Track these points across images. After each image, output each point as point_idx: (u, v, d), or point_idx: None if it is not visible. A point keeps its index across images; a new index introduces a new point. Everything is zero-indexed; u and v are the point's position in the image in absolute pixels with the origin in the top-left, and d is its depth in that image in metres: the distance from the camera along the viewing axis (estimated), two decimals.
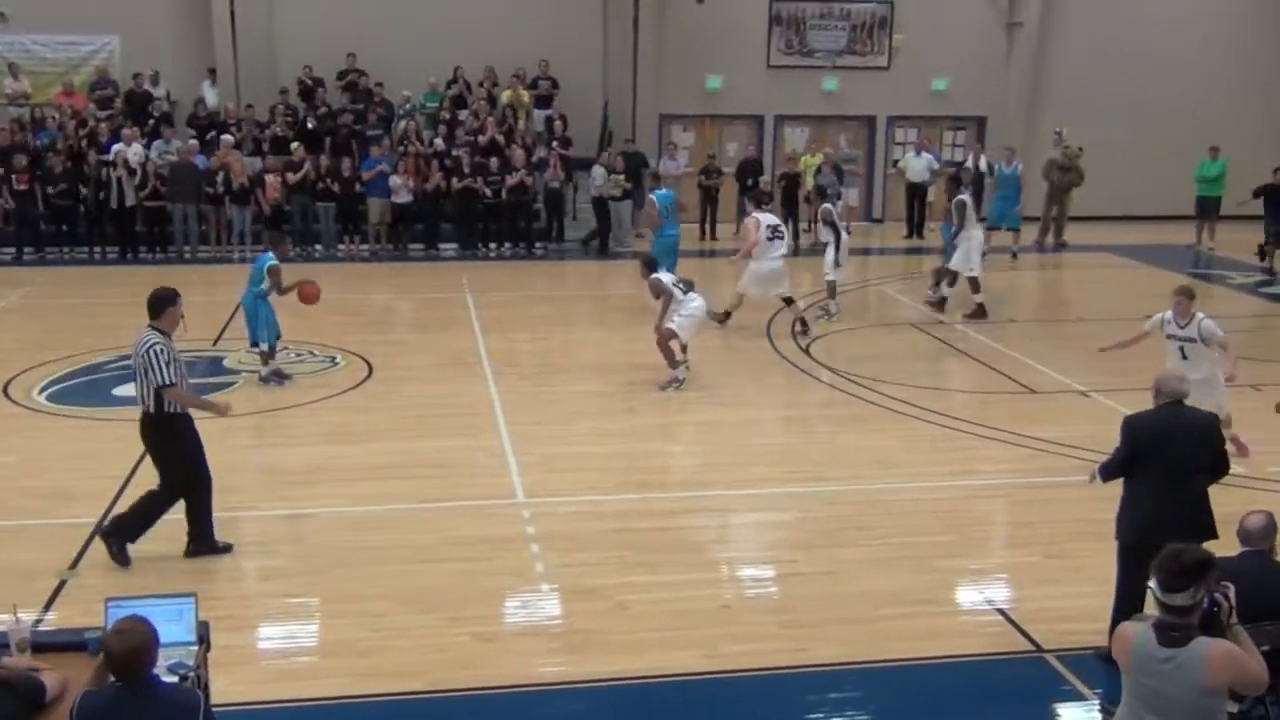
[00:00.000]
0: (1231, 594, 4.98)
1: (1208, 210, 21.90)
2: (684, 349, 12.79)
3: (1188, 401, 7.31)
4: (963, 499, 9.92)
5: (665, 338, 12.69)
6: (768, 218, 15.41)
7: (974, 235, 16.24)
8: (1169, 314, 10.37)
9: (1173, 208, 23.36)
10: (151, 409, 8.24)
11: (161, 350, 8.09)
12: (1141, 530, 6.83)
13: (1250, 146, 22.78)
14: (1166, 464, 6.79)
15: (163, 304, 8.38)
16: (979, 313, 16.18)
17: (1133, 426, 6.98)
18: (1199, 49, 24.66)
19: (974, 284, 16.19)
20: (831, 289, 16.25)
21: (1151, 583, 4.75)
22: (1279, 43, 24.77)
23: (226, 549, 8.56)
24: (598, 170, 21.26)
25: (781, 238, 15.40)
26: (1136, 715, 4.76)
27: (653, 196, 17.12)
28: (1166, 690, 4.65)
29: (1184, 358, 10.21)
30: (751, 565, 8.75)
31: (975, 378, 13.62)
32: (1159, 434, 6.87)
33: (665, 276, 12.91)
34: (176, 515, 8.77)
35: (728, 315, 15.41)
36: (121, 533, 8.37)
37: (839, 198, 17.11)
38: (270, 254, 12.80)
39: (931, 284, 16.93)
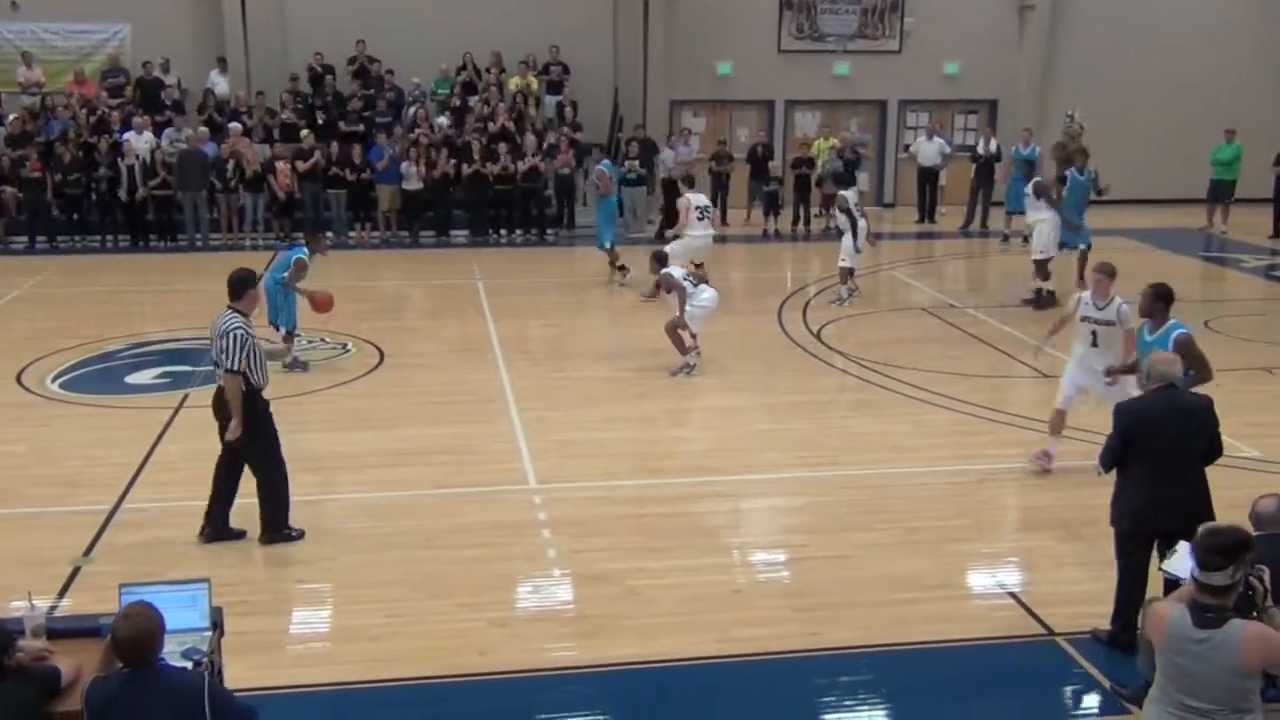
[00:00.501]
0: (1266, 576, 4.98)
1: (1221, 193, 21.80)
2: (694, 336, 12.79)
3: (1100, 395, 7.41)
4: (975, 483, 9.90)
5: (673, 325, 12.69)
6: (698, 198, 16.32)
7: (1050, 218, 16.04)
8: (1087, 294, 9.66)
9: (1184, 191, 23.27)
10: (242, 387, 8.24)
11: (243, 336, 8.18)
12: (1139, 517, 6.81)
13: (1264, 130, 22.66)
14: (1161, 450, 6.73)
15: (244, 285, 8.47)
16: (1039, 299, 15.96)
17: (1125, 414, 6.91)
18: (1212, 31, 24.52)
19: (1042, 268, 16.00)
20: (844, 275, 16.24)
21: (1189, 562, 4.73)
22: None
23: (300, 535, 8.64)
24: (668, 152, 21.51)
25: (709, 217, 16.31)
26: (1169, 696, 4.75)
27: (601, 167, 18.17)
28: (1200, 671, 4.64)
29: (1094, 344, 9.56)
30: (763, 550, 8.75)
31: (988, 362, 13.58)
32: (1152, 420, 6.79)
33: (676, 271, 12.91)
34: (191, 502, 8.82)
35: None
36: (278, 524, 8.50)
37: (853, 183, 16.96)
38: (304, 248, 12.91)
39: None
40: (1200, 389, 7.29)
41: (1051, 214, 16.02)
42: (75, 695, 4.85)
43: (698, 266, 16.04)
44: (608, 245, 17.52)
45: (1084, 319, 9.56)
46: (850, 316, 15.57)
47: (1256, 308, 16.63)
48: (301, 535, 8.62)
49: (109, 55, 22.15)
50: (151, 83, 21.63)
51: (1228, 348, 13.94)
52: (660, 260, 13.19)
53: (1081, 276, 15.98)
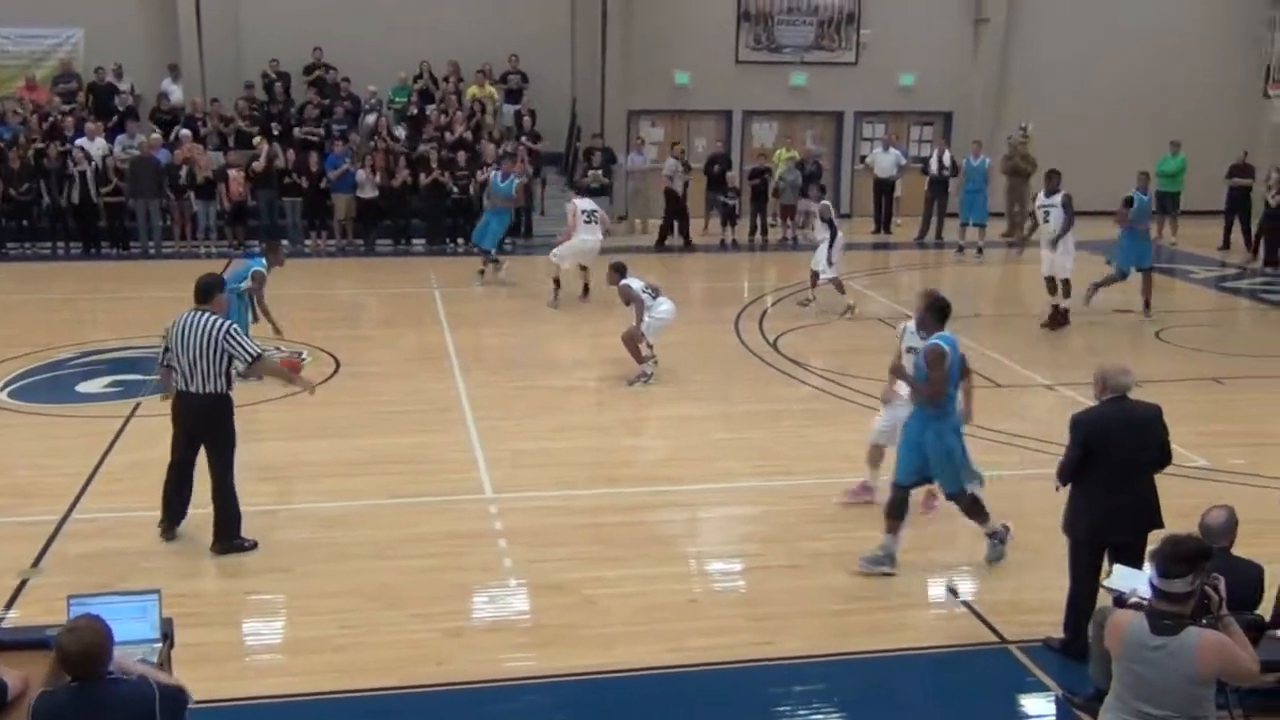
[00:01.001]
0: (1222, 586, 5.04)
1: (1167, 205, 22.08)
2: (650, 346, 12.81)
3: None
4: (927, 493, 9.95)
5: (631, 336, 12.71)
6: (585, 203, 16.85)
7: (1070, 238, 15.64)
8: (911, 324, 8.87)
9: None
10: (222, 389, 8.38)
11: (238, 330, 8.44)
12: (1096, 526, 6.88)
13: (1210, 143, 23.01)
14: (1116, 459, 6.81)
15: (214, 289, 8.63)
16: (1054, 319, 15.57)
17: (1081, 424, 6.97)
18: (1161, 48, 24.89)
19: (1064, 287, 15.57)
20: (814, 279, 16.37)
21: (1148, 569, 4.80)
22: (1239, 43, 24.98)
23: (254, 546, 8.59)
24: (670, 163, 21.62)
25: (595, 221, 16.59)
26: (1125, 703, 4.80)
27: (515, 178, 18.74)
28: (1157, 678, 4.70)
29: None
30: (719, 559, 8.78)
31: None
32: (1107, 430, 6.87)
33: (634, 283, 12.91)
34: (142, 512, 8.74)
35: (558, 285, 16.70)
36: (230, 537, 8.48)
37: (824, 194, 17.01)
38: (263, 260, 12.81)
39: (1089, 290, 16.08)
40: (1141, 396, 7.30)
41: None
42: (22, 709, 4.78)
43: (583, 269, 16.71)
44: (490, 248, 18.21)
45: (908, 349, 8.83)
46: (806, 326, 15.66)
47: (1206, 318, 16.88)
48: (255, 546, 8.55)
49: (61, 60, 21.92)
50: (104, 88, 21.41)
51: (1178, 358, 14.18)
52: (619, 271, 13.20)
53: (1148, 303, 16.07)
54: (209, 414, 8.42)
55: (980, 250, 21.26)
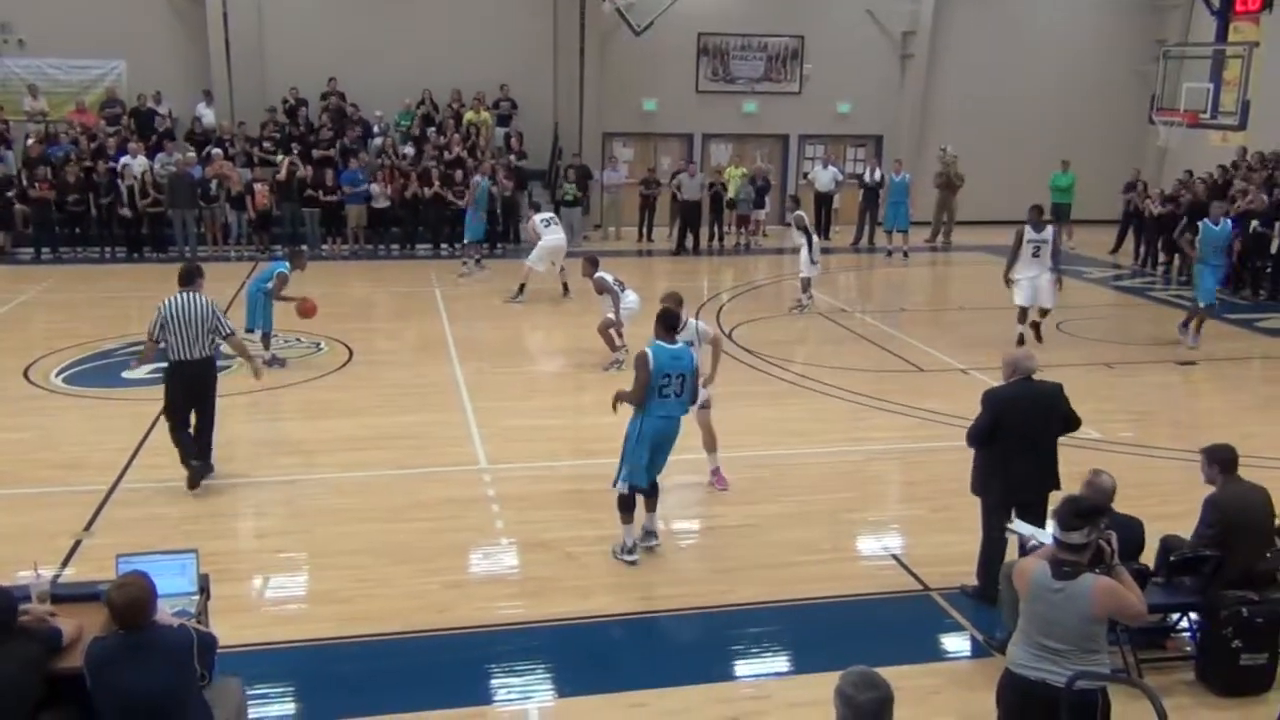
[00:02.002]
0: (1114, 539, 5.12)
1: (1060, 214, 22.17)
2: (621, 335, 12.79)
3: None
4: (863, 462, 10.03)
5: (605, 326, 12.69)
6: (542, 215, 16.92)
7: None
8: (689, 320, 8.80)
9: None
10: (207, 354, 8.78)
11: (219, 308, 8.86)
12: (1005, 487, 6.94)
13: (1103, 162, 23.20)
14: (1024, 431, 6.87)
15: (198, 274, 8.97)
16: (1037, 331, 14.07)
17: (992, 398, 7.01)
18: (1061, 81, 25.06)
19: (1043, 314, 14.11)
20: (805, 284, 16.17)
21: (1050, 524, 4.85)
22: (1129, 77, 25.15)
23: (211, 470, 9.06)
24: (683, 177, 21.49)
25: (554, 224, 16.65)
26: (1030, 638, 4.86)
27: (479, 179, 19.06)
28: (1056, 617, 4.75)
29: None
30: (684, 520, 8.78)
31: (873, 358, 13.74)
32: (1015, 405, 6.92)
33: (606, 275, 12.89)
34: (181, 483, 8.69)
35: (522, 289, 16.52)
36: (205, 457, 8.95)
37: (797, 205, 16.76)
38: (286, 263, 12.74)
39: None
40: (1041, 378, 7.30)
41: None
42: (76, 654, 4.75)
43: (555, 266, 16.65)
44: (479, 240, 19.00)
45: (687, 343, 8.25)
46: (756, 320, 15.67)
47: (1100, 312, 17.00)
48: (212, 470, 9.01)
49: (107, 88, 21.62)
50: (145, 112, 21.17)
51: (1077, 346, 14.30)
52: (593, 264, 13.17)
53: (1198, 328, 14.44)
54: (205, 374, 8.85)
55: (906, 254, 21.35)
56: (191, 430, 8.90)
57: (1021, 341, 13.32)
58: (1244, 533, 6.45)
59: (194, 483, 8.80)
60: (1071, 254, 21.68)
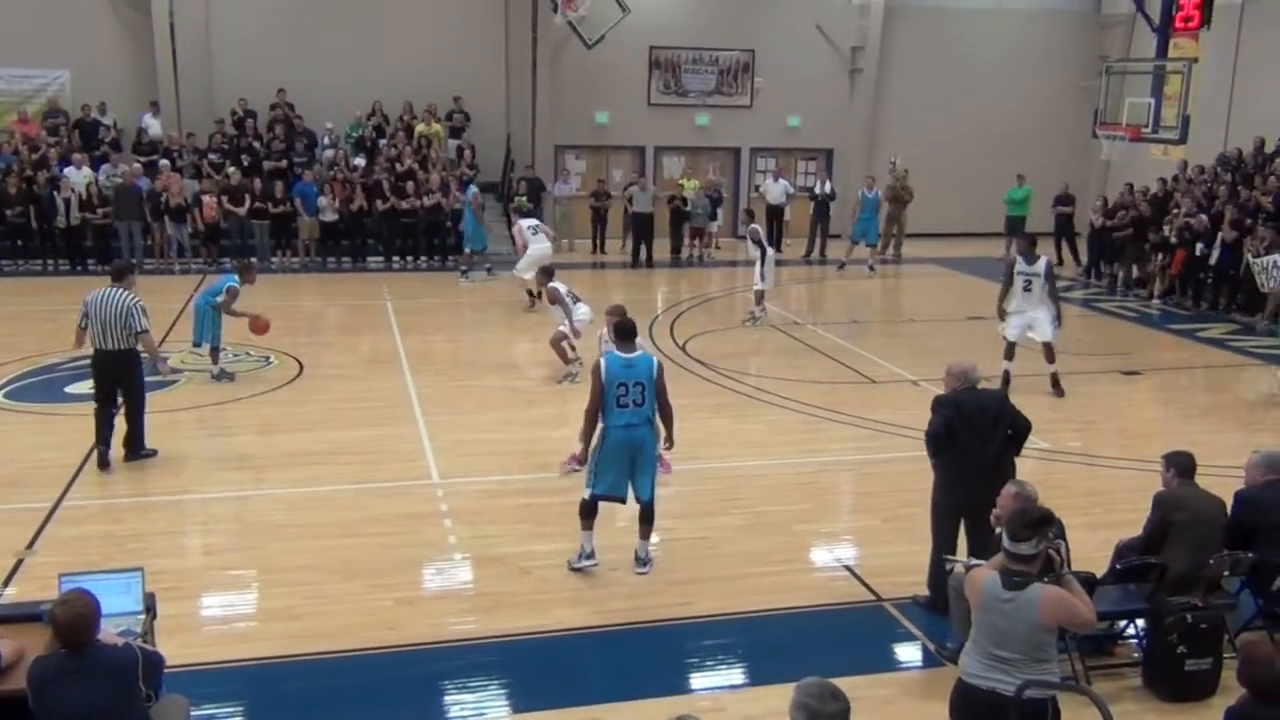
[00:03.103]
0: (1063, 549, 5.18)
1: (1015, 228, 22.46)
2: (574, 348, 12.78)
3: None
4: (816, 473, 10.09)
5: (558, 339, 12.67)
6: (527, 221, 17.11)
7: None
8: (602, 331, 8.95)
9: (988, 226, 24.04)
10: (128, 345, 9.40)
11: (142, 306, 9.39)
12: (952, 495, 6.99)
13: (1046, 176, 23.56)
14: (969, 437, 6.91)
15: (128, 270, 9.71)
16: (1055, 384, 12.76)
17: (942, 403, 7.06)
18: (1008, 96, 25.45)
19: (1049, 350, 12.75)
20: (758, 297, 16.21)
21: (1001, 534, 4.89)
22: (1072, 93, 25.59)
23: (153, 453, 9.77)
24: (635, 190, 21.52)
25: (540, 232, 16.79)
26: (981, 648, 4.90)
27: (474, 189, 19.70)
28: (1007, 626, 4.80)
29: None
30: (633, 532, 8.75)
31: (826, 370, 13.83)
32: (962, 412, 6.96)
33: (560, 286, 12.88)
34: (127, 499, 8.52)
35: (531, 295, 16.49)
36: (139, 447, 9.70)
37: (752, 219, 16.55)
38: (236, 276, 12.57)
39: None
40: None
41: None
42: (18, 673, 4.65)
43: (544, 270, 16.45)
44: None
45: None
46: (710, 332, 15.73)
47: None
48: (154, 453, 9.75)
49: (50, 98, 21.25)
50: (89, 123, 20.84)
51: (1025, 357, 14.45)
52: (548, 274, 13.17)
53: None
54: (119, 365, 9.45)
55: (872, 267, 21.38)
56: (125, 414, 9.68)
57: (1006, 381, 12.23)
58: (1186, 533, 6.56)
59: (102, 463, 9.51)
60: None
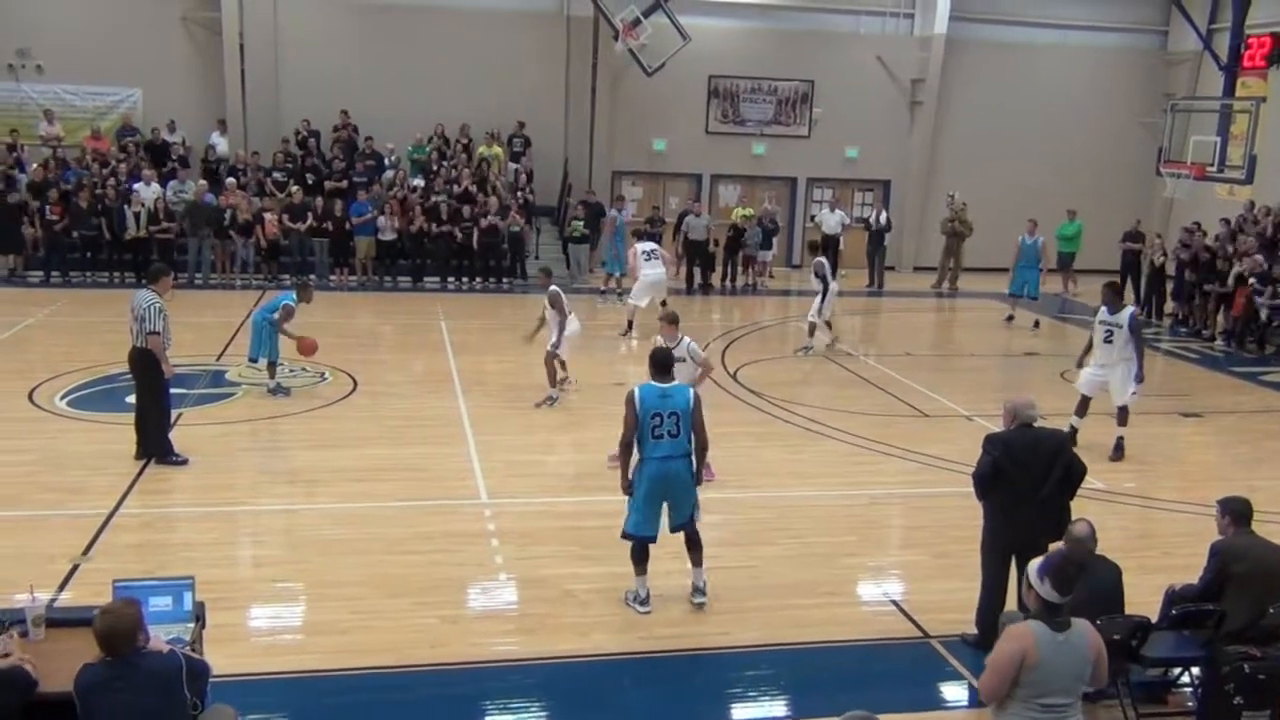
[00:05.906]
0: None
1: (1065, 263, 22.21)
2: (564, 366, 12.77)
3: None
4: (864, 506, 9.99)
5: (550, 357, 12.58)
6: (644, 245, 16.78)
7: None
8: (658, 337, 9.47)
9: (1046, 261, 23.70)
10: (143, 344, 9.75)
11: (161, 307, 9.74)
12: (1007, 535, 6.88)
13: (1108, 212, 23.25)
14: (1022, 476, 6.81)
15: (161, 273, 10.13)
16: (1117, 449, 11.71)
17: (994, 442, 6.96)
18: (1069, 129, 25.20)
19: (1122, 414, 11.71)
20: (811, 329, 16.09)
21: (1045, 588, 4.82)
22: (1135, 128, 25.31)
23: (184, 461, 9.96)
24: (691, 219, 21.55)
25: (655, 257, 16.55)
26: (1025, 705, 4.81)
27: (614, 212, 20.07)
28: (1058, 668, 4.78)
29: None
30: (682, 560, 8.72)
31: (877, 403, 13.71)
32: (1014, 451, 6.86)
33: (562, 293, 12.72)
34: (182, 509, 8.65)
35: (630, 325, 16.51)
36: (151, 448, 9.96)
37: (817, 253, 16.42)
38: (293, 294, 12.76)
39: None
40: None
41: None
42: (64, 678, 4.72)
43: (657, 300, 16.47)
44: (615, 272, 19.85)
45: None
46: (761, 361, 15.67)
47: None
48: (186, 461, 9.93)
49: (122, 115, 21.85)
50: (159, 141, 21.37)
51: (1077, 396, 14.21)
52: (548, 274, 13.11)
53: None
54: (139, 361, 9.84)
55: (1037, 324, 19.23)
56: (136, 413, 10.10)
57: (1074, 439, 10.46)
58: (1246, 584, 6.40)
59: (138, 454, 10.00)
60: (1075, 302, 21.75)
